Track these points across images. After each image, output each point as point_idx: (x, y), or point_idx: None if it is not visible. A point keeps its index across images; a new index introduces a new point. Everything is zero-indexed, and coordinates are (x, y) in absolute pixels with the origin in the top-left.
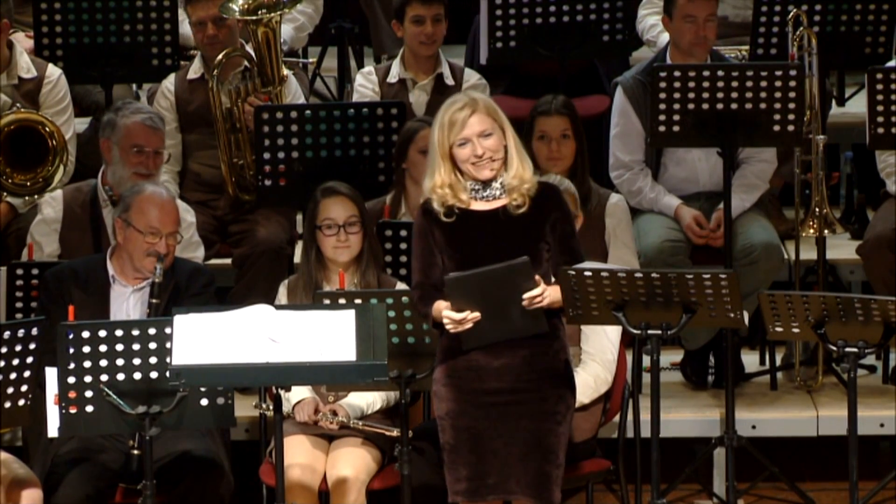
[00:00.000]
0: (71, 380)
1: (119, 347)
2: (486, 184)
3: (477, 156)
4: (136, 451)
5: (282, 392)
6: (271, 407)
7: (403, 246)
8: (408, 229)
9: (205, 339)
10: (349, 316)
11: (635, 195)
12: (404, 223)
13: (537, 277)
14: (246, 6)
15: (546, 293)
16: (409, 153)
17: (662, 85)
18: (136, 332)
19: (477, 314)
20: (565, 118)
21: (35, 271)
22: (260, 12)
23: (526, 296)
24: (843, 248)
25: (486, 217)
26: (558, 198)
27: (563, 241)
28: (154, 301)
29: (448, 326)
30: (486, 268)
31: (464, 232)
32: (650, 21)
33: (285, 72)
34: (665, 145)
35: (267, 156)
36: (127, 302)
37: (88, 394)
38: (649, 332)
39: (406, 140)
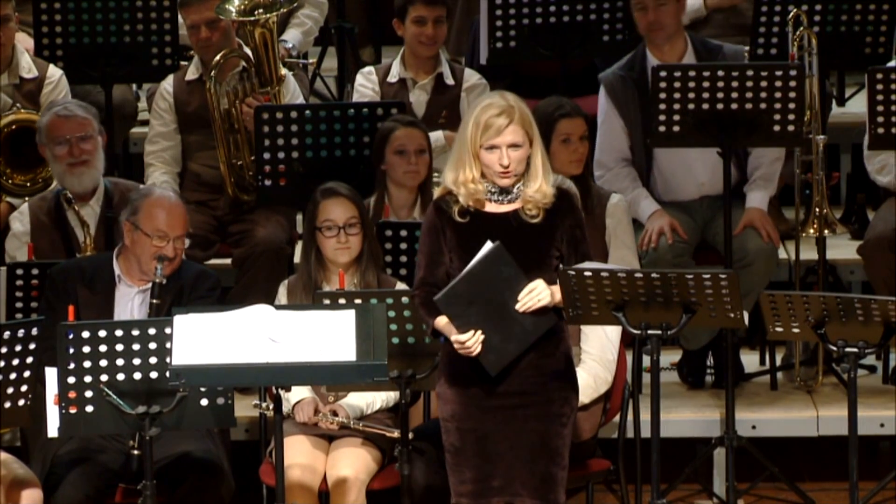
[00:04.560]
0: (71, 380)
1: (119, 347)
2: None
3: (502, 165)
4: (136, 452)
5: (282, 392)
6: (271, 407)
7: (403, 246)
8: (408, 229)
9: (205, 339)
10: (349, 316)
11: None
12: (405, 223)
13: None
14: (242, 7)
15: (543, 293)
16: (386, 155)
17: (662, 85)
18: (136, 333)
19: (480, 334)
20: (583, 119)
21: (35, 271)
22: (256, 13)
23: (520, 301)
24: (843, 248)
25: (498, 220)
26: (572, 204)
27: (574, 248)
28: (155, 301)
29: (460, 351)
30: (462, 273)
31: (476, 234)
32: None
33: (283, 71)
34: (665, 145)
35: (267, 156)
36: (132, 302)
37: (88, 394)
38: (649, 332)
39: (381, 141)
